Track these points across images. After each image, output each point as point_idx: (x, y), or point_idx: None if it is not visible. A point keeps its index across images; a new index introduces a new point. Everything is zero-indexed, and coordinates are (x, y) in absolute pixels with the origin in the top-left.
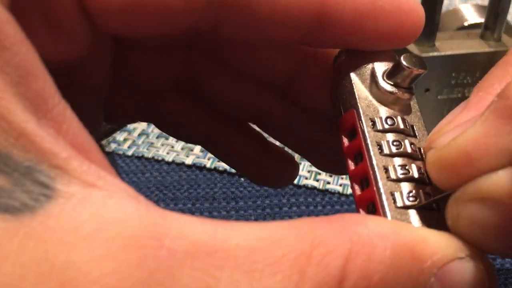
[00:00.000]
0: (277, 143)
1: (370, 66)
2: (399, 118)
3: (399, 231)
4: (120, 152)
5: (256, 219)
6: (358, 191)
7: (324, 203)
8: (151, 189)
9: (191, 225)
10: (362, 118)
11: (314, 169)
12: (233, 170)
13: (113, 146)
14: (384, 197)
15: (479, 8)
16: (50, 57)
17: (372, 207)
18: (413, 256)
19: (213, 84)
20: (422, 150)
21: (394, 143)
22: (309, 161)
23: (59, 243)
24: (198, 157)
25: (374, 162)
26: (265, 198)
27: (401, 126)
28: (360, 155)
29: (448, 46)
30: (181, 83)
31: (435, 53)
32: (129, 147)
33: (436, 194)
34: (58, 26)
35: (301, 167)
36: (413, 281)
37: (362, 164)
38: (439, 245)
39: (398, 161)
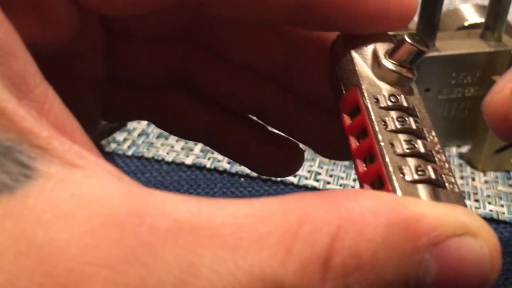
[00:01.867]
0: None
1: (371, 46)
2: (402, 96)
3: (394, 206)
4: (120, 152)
5: None
6: (362, 167)
7: None
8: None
9: (175, 203)
10: (365, 94)
11: (314, 169)
12: (233, 170)
13: (113, 146)
14: (392, 171)
15: (479, 8)
16: (36, 39)
17: (378, 182)
18: (407, 234)
19: (209, 77)
20: (425, 130)
21: (399, 119)
22: (311, 148)
23: (37, 221)
24: (198, 157)
25: (380, 136)
26: None
27: (405, 104)
28: (363, 132)
29: (448, 46)
30: (177, 77)
31: (435, 53)
32: (129, 147)
33: (442, 171)
34: (40, 6)
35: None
36: (406, 259)
37: (367, 140)
38: (437, 221)
39: (403, 136)
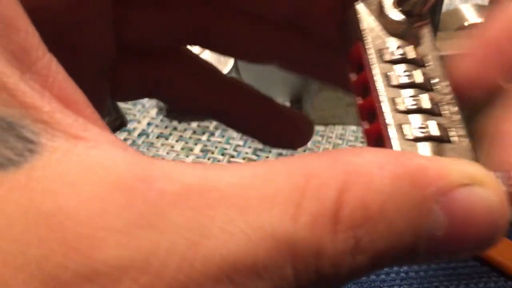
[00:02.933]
0: None
1: None
2: (409, 48)
3: (398, 158)
4: None
5: None
6: (366, 125)
7: None
8: None
9: (181, 168)
10: (369, 49)
11: None
12: None
13: None
14: (390, 129)
15: (479, 8)
16: (37, 3)
17: (381, 141)
18: (414, 184)
19: (224, 31)
20: (435, 80)
21: (404, 73)
22: (331, 86)
23: (44, 191)
24: (198, 157)
25: (381, 93)
26: None
27: (411, 56)
28: (368, 89)
29: (448, 46)
30: (192, 37)
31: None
32: None
33: (450, 123)
34: None
35: None
36: (415, 209)
37: (370, 97)
38: (442, 171)
39: (407, 92)
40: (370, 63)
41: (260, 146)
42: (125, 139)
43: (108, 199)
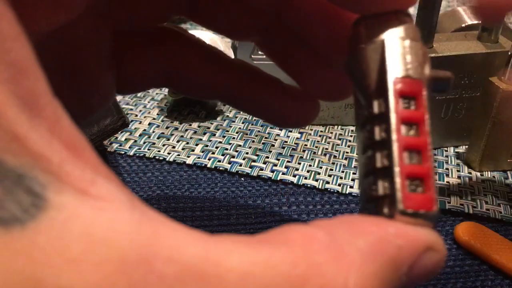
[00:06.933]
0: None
1: (407, 30)
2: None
3: (382, 244)
4: (122, 152)
5: (255, 218)
6: (405, 161)
7: (323, 203)
8: (153, 188)
9: (184, 243)
10: (427, 93)
11: (313, 169)
12: (233, 170)
13: (115, 146)
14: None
15: None
16: (51, 26)
17: (418, 183)
18: (395, 269)
19: (212, 8)
20: None
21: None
22: (301, 87)
23: (47, 264)
24: (199, 157)
25: (430, 141)
26: (265, 197)
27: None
28: (410, 125)
29: (446, 47)
30: (182, 8)
31: (433, 54)
32: (130, 147)
33: None
34: None
35: (300, 167)
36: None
37: (421, 138)
38: (414, 249)
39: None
40: (427, 108)
41: (260, 146)
42: (127, 139)
43: (109, 282)
